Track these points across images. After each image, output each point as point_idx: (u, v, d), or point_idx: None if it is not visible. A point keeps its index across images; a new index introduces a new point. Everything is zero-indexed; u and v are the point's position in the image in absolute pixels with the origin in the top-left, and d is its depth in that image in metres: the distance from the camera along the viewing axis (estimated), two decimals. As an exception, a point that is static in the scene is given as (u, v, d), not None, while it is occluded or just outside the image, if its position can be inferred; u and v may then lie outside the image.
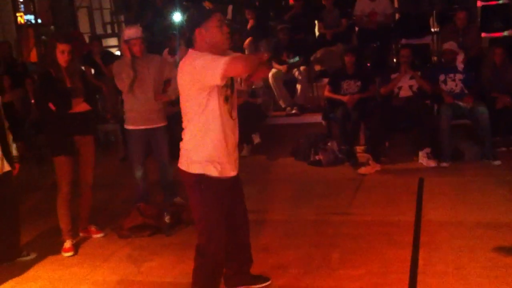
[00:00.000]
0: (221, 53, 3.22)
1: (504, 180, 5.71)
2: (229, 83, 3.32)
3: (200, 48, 3.23)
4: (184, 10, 10.45)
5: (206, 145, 3.27)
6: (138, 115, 5.32)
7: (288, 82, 8.37)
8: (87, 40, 10.89)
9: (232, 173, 3.42)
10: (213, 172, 3.29)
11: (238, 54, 3.39)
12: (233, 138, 3.39)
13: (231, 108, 3.34)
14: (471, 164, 6.36)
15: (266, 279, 3.92)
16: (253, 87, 8.07)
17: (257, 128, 7.76)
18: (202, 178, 3.29)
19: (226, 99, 3.29)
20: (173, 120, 6.28)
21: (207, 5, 3.21)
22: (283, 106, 8.25)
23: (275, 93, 8.44)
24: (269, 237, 4.77)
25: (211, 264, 3.40)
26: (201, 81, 3.12)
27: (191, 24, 3.26)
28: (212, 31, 3.21)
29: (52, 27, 12.35)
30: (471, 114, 6.52)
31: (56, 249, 4.75)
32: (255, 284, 3.87)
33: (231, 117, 3.35)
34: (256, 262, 4.23)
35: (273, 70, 8.46)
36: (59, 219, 4.79)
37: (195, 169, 3.30)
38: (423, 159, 6.49)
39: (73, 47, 4.72)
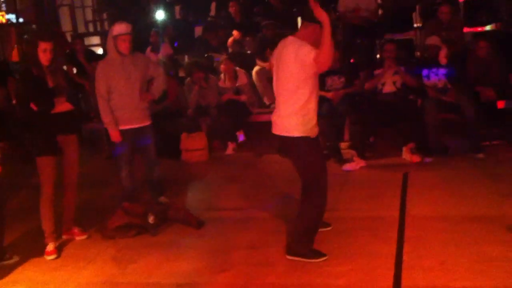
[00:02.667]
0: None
1: (489, 173, 5.75)
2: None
3: (304, 37, 3.92)
4: (167, 7, 10.41)
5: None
6: (124, 114, 5.27)
7: (272, 79, 8.33)
8: (69, 38, 10.79)
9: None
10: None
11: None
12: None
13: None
14: (455, 158, 6.39)
15: (328, 225, 4.63)
16: (237, 84, 8.05)
17: (242, 125, 7.75)
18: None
19: None
20: (158, 118, 6.28)
21: (332, 15, 3.66)
22: (267, 103, 8.23)
23: (259, 90, 8.42)
24: (255, 234, 4.76)
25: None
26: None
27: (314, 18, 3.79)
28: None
29: (34, 25, 12.22)
30: (455, 108, 6.54)
31: (39, 251, 4.68)
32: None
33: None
34: (242, 259, 4.25)
35: (257, 67, 8.43)
36: (42, 221, 4.71)
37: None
38: (407, 154, 6.50)
39: (55, 46, 4.66)
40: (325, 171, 4.14)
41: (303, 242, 4.15)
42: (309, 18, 3.88)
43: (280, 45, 4.07)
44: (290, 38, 3.99)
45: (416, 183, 5.68)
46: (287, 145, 4.09)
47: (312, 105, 4.03)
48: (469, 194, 5.22)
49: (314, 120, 4.07)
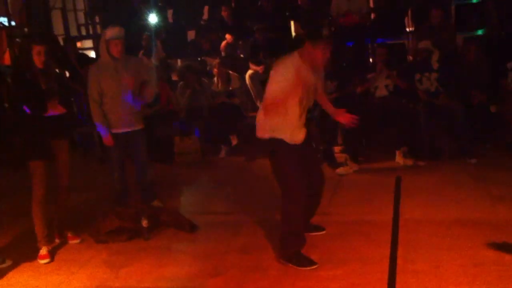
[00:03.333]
0: (316, 69, 4.06)
1: (481, 177, 5.77)
2: (304, 103, 4.06)
3: (302, 54, 3.99)
4: (160, 11, 10.40)
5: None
6: (116, 118, 5.27)
7: (265, 82, 8.35)
8: (61, 42, 10.74)
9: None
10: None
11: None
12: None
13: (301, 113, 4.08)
14: (447, 162, 6.42)
15: (322, 229, 4.67)
16: (230, 88, 8.05)
17: (235, 129, 7.76)
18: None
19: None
20: (150, 121, 6.27)
21: (325, 30, 3.82)
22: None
23: (252, 94, 8.43)
24: (248, 238, 4.75)
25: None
26: None
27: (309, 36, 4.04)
28: (317, 51, 3.95)
29: (25, 29, 12.15)
30: (447, 112, 6.57)
31: (32, 255, 4.65)
32: (311, 231, 4.52)
33: (300, 118, 4.09)
34: (235, 264, 4.24)
35: (250, 71, 8.45)
36: (35, 225, 4.68)
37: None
38: (400, 158, 6.52)
39: (48, 48, 4.66)
40: (299, 180, 4.07)
41: (284, 246, 4.17)
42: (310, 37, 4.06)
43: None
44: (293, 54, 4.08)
45: (409, 187, 5.69)
46: (266, 146, 4.15)
47: (289, 112, 4.03)
48: (461, 198, 5.24)
49: (294, 127, 4.08)
